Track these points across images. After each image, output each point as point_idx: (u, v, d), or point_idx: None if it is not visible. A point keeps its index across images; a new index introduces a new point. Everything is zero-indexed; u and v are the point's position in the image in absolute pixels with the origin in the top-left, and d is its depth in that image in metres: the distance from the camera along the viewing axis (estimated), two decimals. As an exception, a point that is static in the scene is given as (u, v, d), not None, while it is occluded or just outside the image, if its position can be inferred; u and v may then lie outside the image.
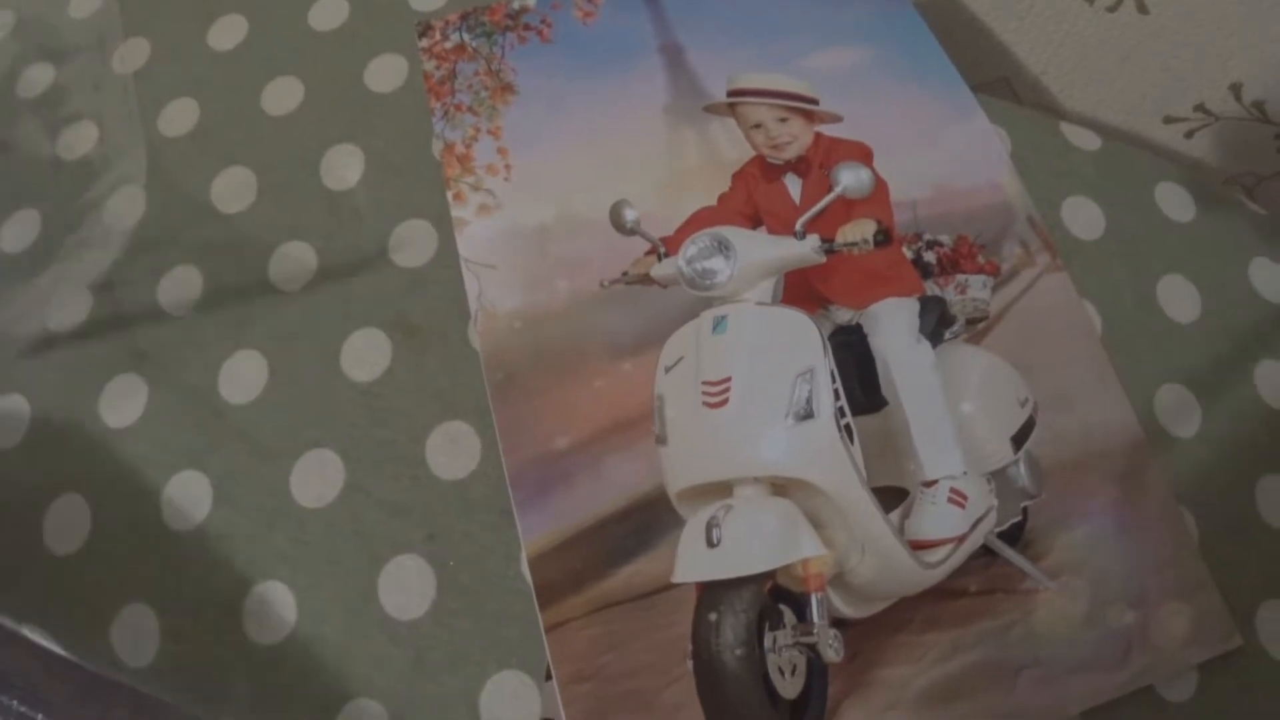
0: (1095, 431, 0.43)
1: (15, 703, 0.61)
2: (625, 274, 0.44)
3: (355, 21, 0.52)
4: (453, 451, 0.42)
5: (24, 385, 0.46)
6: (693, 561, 0.39)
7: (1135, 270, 0.45)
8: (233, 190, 0.49)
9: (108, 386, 0.45)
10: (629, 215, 0.44)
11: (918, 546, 0.41)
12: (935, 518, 0.42)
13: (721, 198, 0.46)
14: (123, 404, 0.45)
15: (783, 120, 0.48)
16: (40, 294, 0.47)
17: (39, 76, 0.53)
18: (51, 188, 0.50)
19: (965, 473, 0.42)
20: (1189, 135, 0.59)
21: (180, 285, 0.47)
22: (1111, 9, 0.56)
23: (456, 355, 0.43)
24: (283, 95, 0.51)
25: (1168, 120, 0.59)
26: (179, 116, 0.51)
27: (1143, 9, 0.55)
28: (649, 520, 0.41)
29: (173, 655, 0.41)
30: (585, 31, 0.51)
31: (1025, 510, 0.42)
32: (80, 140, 0.51)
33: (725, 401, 0.40)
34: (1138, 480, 0.42)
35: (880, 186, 0.46)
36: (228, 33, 0.53)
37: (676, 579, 0.38)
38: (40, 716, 0.65)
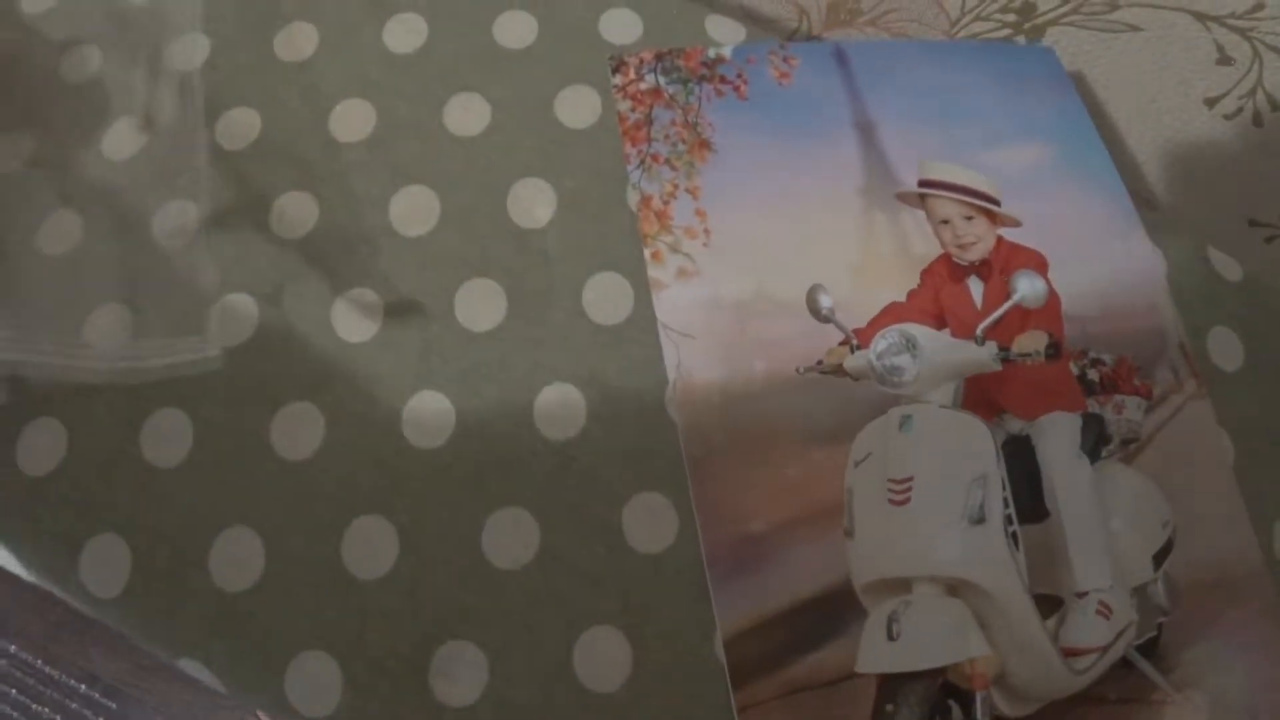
0: (1222, 557, 0.47)
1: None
2: (820, 363, 0.45)
3: (544, 43, 0.50)
4: (649, 523, 0.42)
5: (185, 402, 0.43)
6: (874, 653, 0.40)
7: (1267, 405, 0.49)
8: (414, 212, 0.46)
9: (280, 413, 0.43)
10: (824, 303, 0.44)
11: (1068, 653, 0.44)
12: (1085, 627, 0.44)
13: (911, 294, 0.47)
14: (299, 434, 0.42)
15: (969, 219, 0.48)
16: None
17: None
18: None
19: (1112, 586, 0.45)
20: (1269, 240, 0.64)
21: (357, 310, 0.45)
22: (1229, 116, 0.59)
23: (653, 422, 0.43)
24: (467, 114, 0.48)
25: (1252, 224, 0.63)
26: (353, 119, 0.48)
27: (1258, 122, 0.58)
28: (836, 609, 0.42)
29: (355, 708, 0.39)
30: (781, 93, 0.50)
31: (1160, 625, 0.46)
32: (240, 128, 0.47)
33: (908, 500, 0.41)
34: (1257, 606, 0.46)
35: (1052, 299, 0.48)
36: (406, 34, 0.50)
37: (859, 669, 0.40)
38: (14, 646, 0.62)
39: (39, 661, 0.56)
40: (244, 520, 0.41)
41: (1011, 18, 0.60)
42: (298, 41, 0.49)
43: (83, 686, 0.61)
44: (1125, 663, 0.45)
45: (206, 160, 0.46)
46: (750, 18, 0.64)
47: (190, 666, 0.39)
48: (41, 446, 0.42)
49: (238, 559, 0.41)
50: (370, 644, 0.40)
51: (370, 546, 0.41)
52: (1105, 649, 0.44)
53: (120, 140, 0.47)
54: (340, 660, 0.40)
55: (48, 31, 0.49)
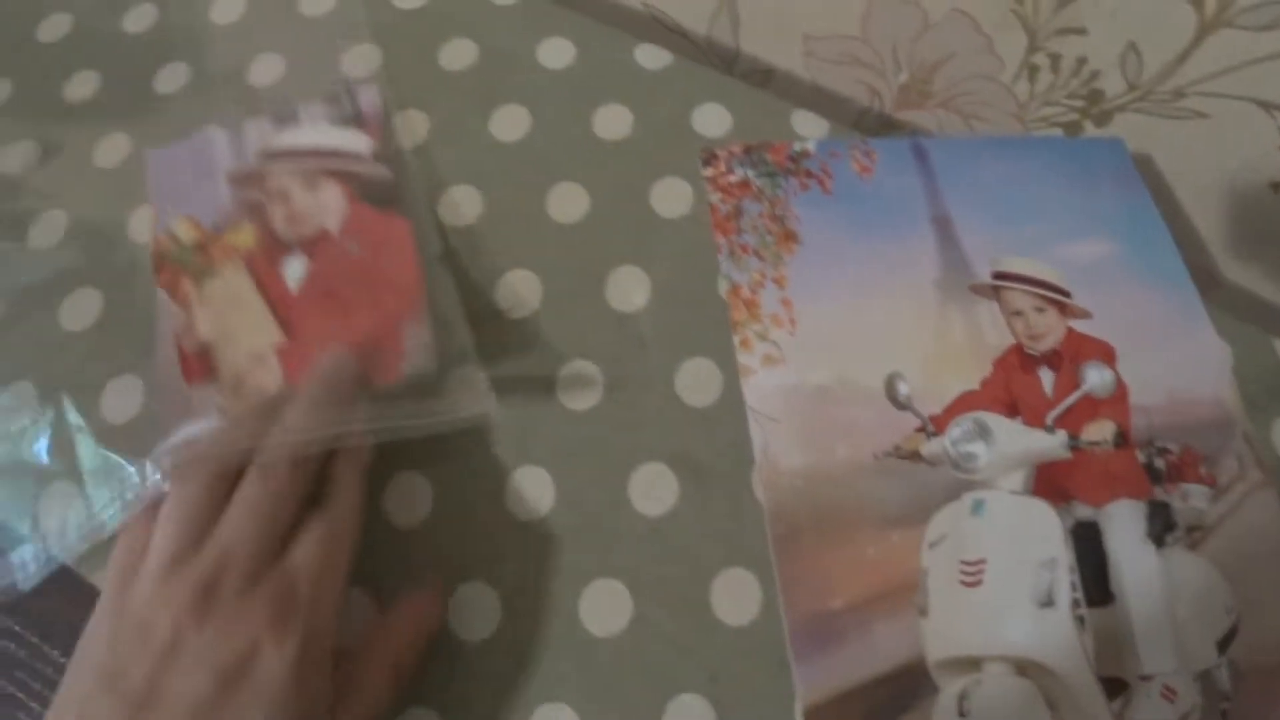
0: (1283, 643, 0.48)
1: (56, 652, 0.61)
2: (897, 448, 0.47)
3: (640, 136, 0.53)
4: (736, 597, 0.44)
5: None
6: (946, 731, 0.42)
7: (1329, 497, 0.50)
8: (519, 292, 0.49)
9: (391, 484, 0.46)
10: (902, 390, 0.47)
11: (1133, 736, 0.45)
12: (1149, 710, 0.46)
13: (984, 383, 0.49)
14: (409, 504, 0.45)
15: (1040, 310, 0.51)
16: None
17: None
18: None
19: (1177, 670, 0.47)
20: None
21: (465, 385, 0.48)
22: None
23: (740, 501, 0.46)
24: (569, 202, 0.51)
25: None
26: (463, 203, 0.51)
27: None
28: (911, 685, 0.44)
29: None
30: (863, 187, 0.52)
31: (1224, 711, 0.47)
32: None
33: (980, 582, 0.44)
34: (1317, 694, 0.48)
35: (1120, 389, 0.50)
36: (511, 124, 0.53)
37: (932, 745, 0.42)
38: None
39: None
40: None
41: (1079, 104, 0.62)
42: (411, 128, 0.53)
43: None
44: (1189, 746, 0.46)
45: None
46: (825, 99, 0.66)
47: None
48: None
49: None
50: (473, 704, 0.42)
51: (476, 610, 0.44)
52: (1169, 732, 0.46)
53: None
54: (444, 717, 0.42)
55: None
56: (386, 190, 0.52)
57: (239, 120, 0.55)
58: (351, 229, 0.51)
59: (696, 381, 0.47)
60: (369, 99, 0.56)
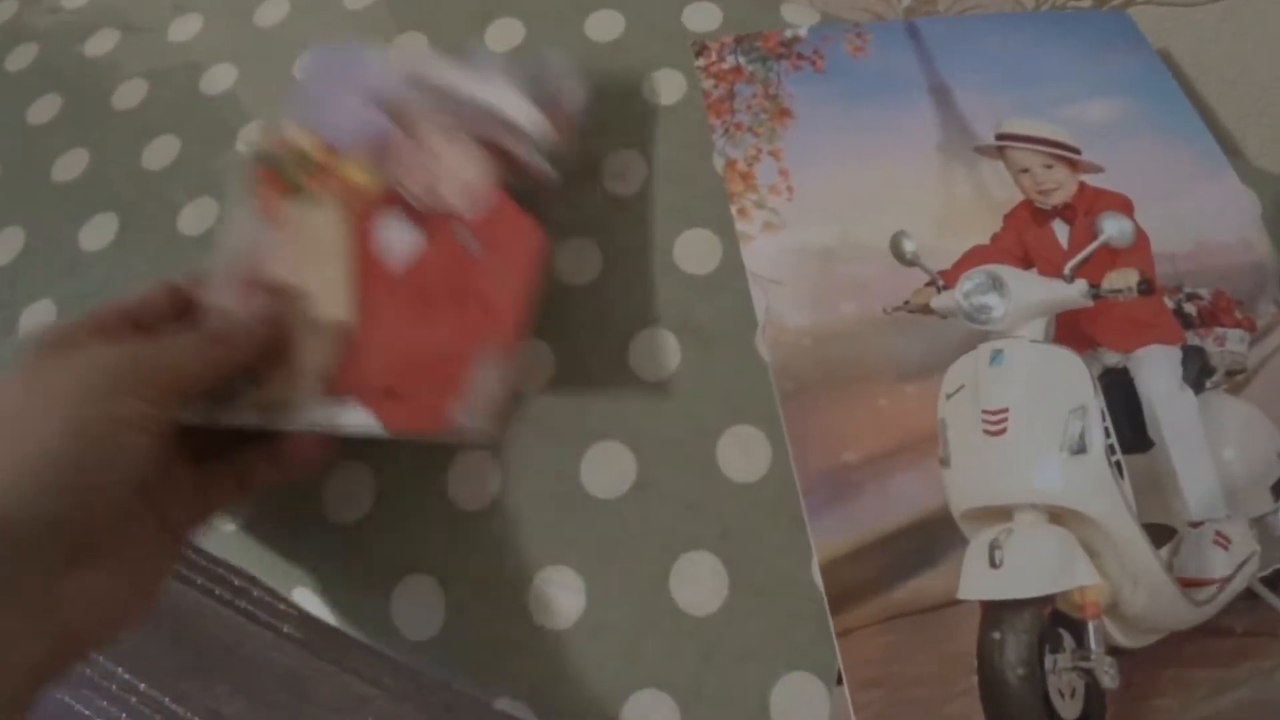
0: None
1: (120, 669, 0.60)
2: (907, 303, 0.44)
3: (631, 35, 0.52)
4: (743, 454, 0.42)
5: (362, 455, 0.44)
6: (977, 580, 0.39)
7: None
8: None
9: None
10: (908, 246, 0.44)
11: (1185, 584, 0.41)
12: (1201, 557, 0.41)
13: (994, 237, 0.46)
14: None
15: (1048, 167, 0.48)
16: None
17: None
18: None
19: (1229, 516, 0.42)
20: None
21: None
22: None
23: (744, 361, 0.43)
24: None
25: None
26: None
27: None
28: (934, 536, 0.40)
29: (456, 630, 0.40)
30: (857, 65, 0.51)
31: (1285, 558, 0.42)
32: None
33: (1003, 431, 0.40)
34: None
35: (1141, 237, 0.46)
36: (506, 36, 0.53)
37: (962, 595, 0.38)
38: (144, 684, 0.64)
39: (167, 699, 0.58)
40: (358, 456, 0.43)
41: (1087, 3, 0.60)
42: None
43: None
44: (1250, 595, 0.42)
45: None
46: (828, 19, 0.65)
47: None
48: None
49: (349, 494, 0.42)
50: (472, 570, 0.40)
51: (479, 477, 0.42)
52: (1226, 580, 0.41)
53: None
54: (442, 584, 0.40)
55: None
56: (541, 194, 0.42)
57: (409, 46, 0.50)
58: (481, 222, 0.41)
59: (695, 251, 0.45)
60: (571, 90, 0.46)
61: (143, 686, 0.61)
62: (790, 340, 0.44)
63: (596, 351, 0.44)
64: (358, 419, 0.37)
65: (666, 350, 0.43)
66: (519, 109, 0.43)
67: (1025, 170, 0.47)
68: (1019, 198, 0.47)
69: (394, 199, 0.41)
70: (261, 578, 0.41)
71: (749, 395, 0.43)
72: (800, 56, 0.50)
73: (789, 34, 0.51)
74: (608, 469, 0.42)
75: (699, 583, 0.40)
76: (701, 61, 0.51)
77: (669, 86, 0.50)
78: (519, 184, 0.42)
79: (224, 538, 0.42)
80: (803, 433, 0.42)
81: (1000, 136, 0.48)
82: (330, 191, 0.41)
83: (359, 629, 0.40)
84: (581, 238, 0.46)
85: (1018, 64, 0.51)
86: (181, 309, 0.38)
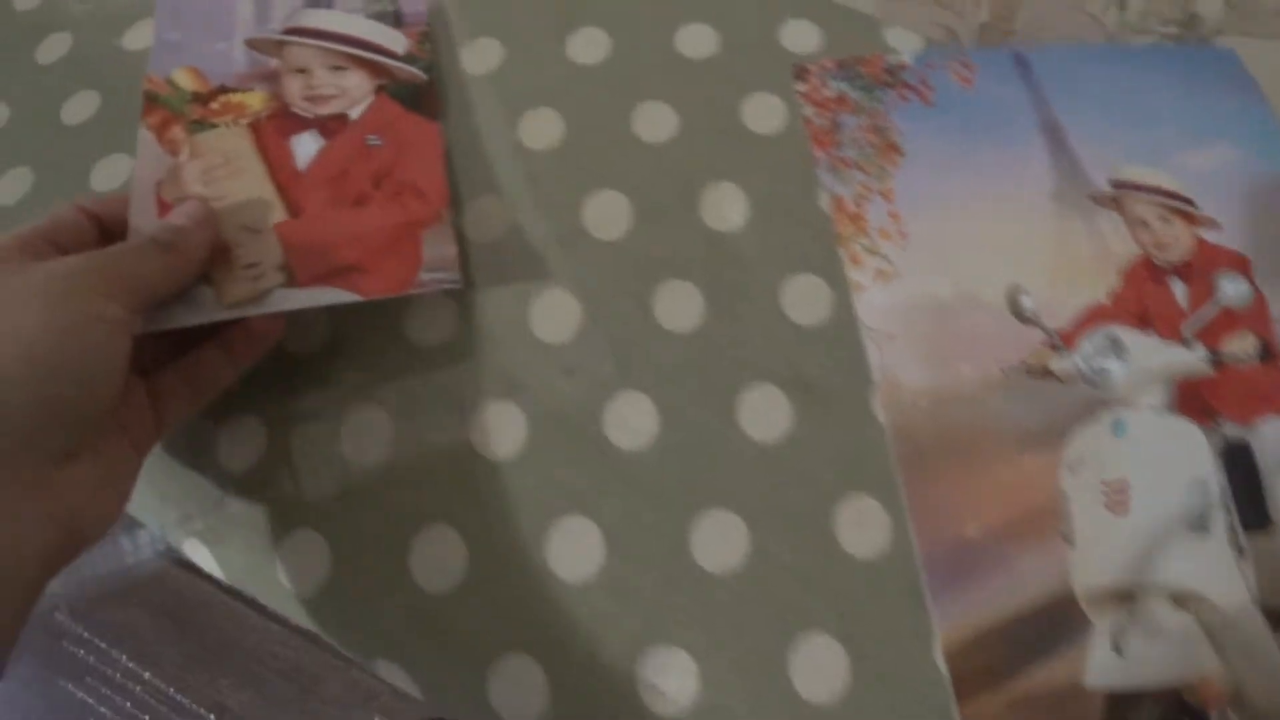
0: None
1: (124, 658, 0.57)
2: (1026, 364, 0.42)
3: (726, 53, 0.48)
4: (862, 527, 0.39)
5: (384, 404, 0.42)
6: (1102, 668, 0.37)
7: None
8: (608, 214, 0.44)
9: (481, 413, 0.40)
10: (1026, 303, 0.42)
11: (1309, 671, 0.39)
12: (1325, 645, 0.40)
13: (1112, 295, 0.44)
14: (502, 433, 0.40)
15: (1165, 220, 0.45)
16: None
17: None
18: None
19: (1351, 602, 0.40)
20: None
21: (558, 310, 0.43)
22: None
23: (859, 423, 0.40)
24: (655, 121, 0.46)
25: None
26: (544, 127, 0.46)
27: None
28: (1061, 618, 0.38)
29: (564, 714, 0.36)
30: (965, 97, 0.47)
31: None
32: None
33: (1125, 507, 0.38)
34: None
35: (1258, 300, 0.44)
36: (589, 47, 0.49)
37: (1088, 683, 0.37)
38: (148, 674, 0.60)
39: (171, 690, 0.54)
40: (448, 519, 0.39)
41: (1174, 29, 0.57)
42: (485, 55, 0.48)
43: (211, 716, 0.59)
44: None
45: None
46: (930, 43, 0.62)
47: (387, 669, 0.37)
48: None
49: (440, 560, 0.38)
50: (574, 649, 0.37)
51: (579, 543, 0.38)
52: (1350, 669, 0.40)
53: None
54: (545, 664, 0.37)
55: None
56: (418, 93, 0.48)
57: None
58: (373, 121, 0.46)
59: (804, 299, 0.42)
60: (413, 2, 0.51)
61: (147, 675, 0.57)
62: (907, 401, 0.41)
63: (701, 407, 0.40)
64: (331, 296, 0.40)
65: (777, 408, 0.40)
66: (369, 28, 0.49)
67: (1143, 223, 0.45)
68: (1136, 252, 0.44)
69: (288, 115, 0.45)
70: (343, 648, 0.37)
71: (866, 461, 0.40)
72: (907, 86, 0.47)
73: (893, 60, 0.48)
74: (719, 539, 0.38)
75: (818, 667, 0.37)
76: (802, 87, 0.47)
77: (768, 113, 0.46)
78: (396, 87, 0.47)
79: (306, 603, 0.37)
80: (923, 504, 0.39)
81: (1115, 184, 0.46)
82: (226, 118, 0.45)
83: (453, 709, 0.36)
84: (681, 279, 0.42)
85: (1127, 102, 0.48)
86: (102, 231, 0.38)
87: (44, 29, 0.54)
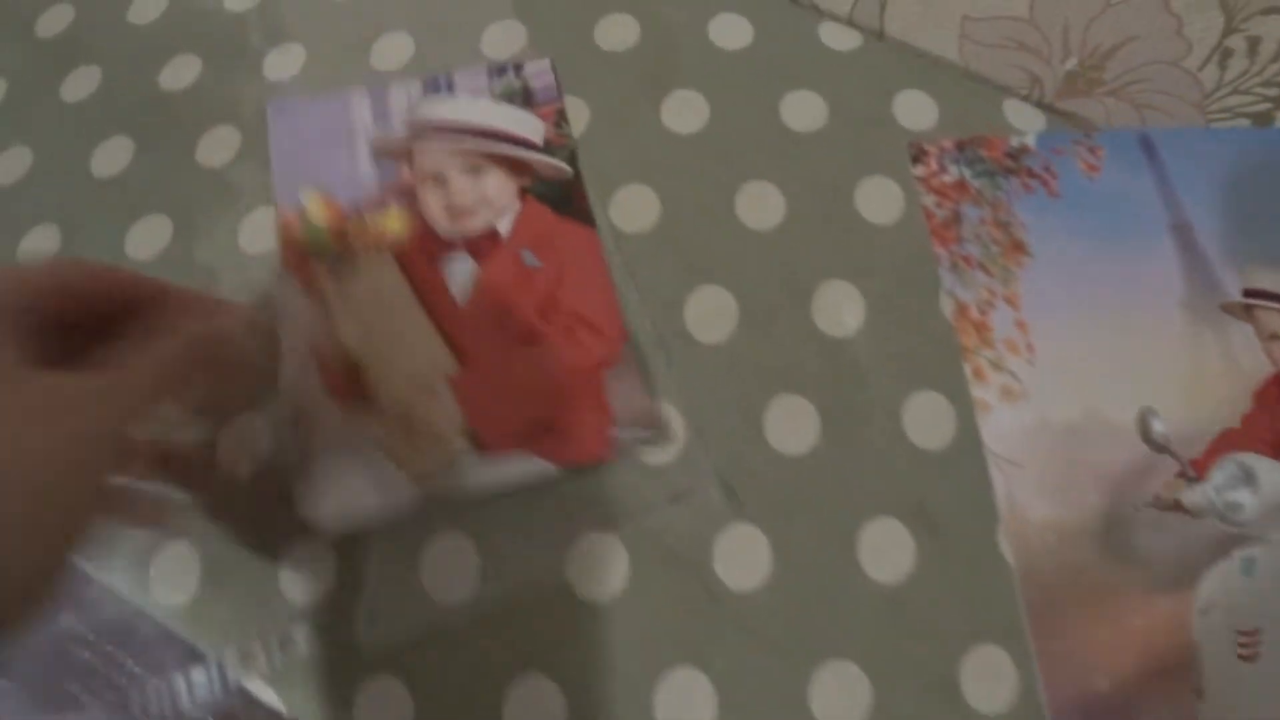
0: None
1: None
2: (1158, 498, 0.39)
3: (836, 127, 0.44)
4: (989, 680, 0.36)
5: (469, 527, 0.38)
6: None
7: None
8: (711, 311, 0.40)
9: (574, 549, 0.37)
10: (1157, 428, 0.39)
11: None
12: None
13: (1245, 418, 0.41)
14: (601, 579, 0.36)
15: (1299, 334, 0.42)
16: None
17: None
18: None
19: None
20: None
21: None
22: None
23: (985, 563, 0.37)
24: (762, 204, 0.42)
25: None
26: (637, 206, 0.42)
27: None
28: (1191, 782, 0.36)
29: None
30: (1091, 188, 0.44)
31: None
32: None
33: (1257, 655, 0.36)
34: None
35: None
36: (686, 112, 0.44)
37: None
38: None
39: None
40: (542, 668, 0.35)
41: (1275, 91, 0.53)
42: (571, 114, 0.43)
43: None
44: None
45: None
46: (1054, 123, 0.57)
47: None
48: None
49: (537, 715, 0.35)
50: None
51: (688, 697, 0.35)
52: None
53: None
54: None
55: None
56: (566, 192, 0.42)
57: (383, 80, 0.44)
58: (526, 233, 0.41)
59: (927, 419, 0.38)
60: (541, 76, 0.45)
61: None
62: (1034, 538, 0.38)
63: (819, 542, 0.37)
64: (526, 469, 0.36)
65: (900, 545, 0.37)
66: (503, 115, 0.43)
67: (1275, 337, 0.41)
68: (1269, 369, 0.41)
69: (433, 237, 0.40)
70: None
71: (992, 606, 0.37)
72: (1031, 174, 0.43)
73: (1016, 142, 0.43)
74: (840, 694, 0.35)
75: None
76: (920, 170, 0.43)
77: (883, 199, 0.42)
78: (540, 187, 0.42)
79: None
80: (1052, 655, 0.37)
81: (1247, 293, 0.42)
82: (368, 249, 0.40)
83: None
84: (794, 393, 0.38)
85: (1256, 195, 0.45)
86: (126, 306, 0.30)
87: (45, 0, 0.49)
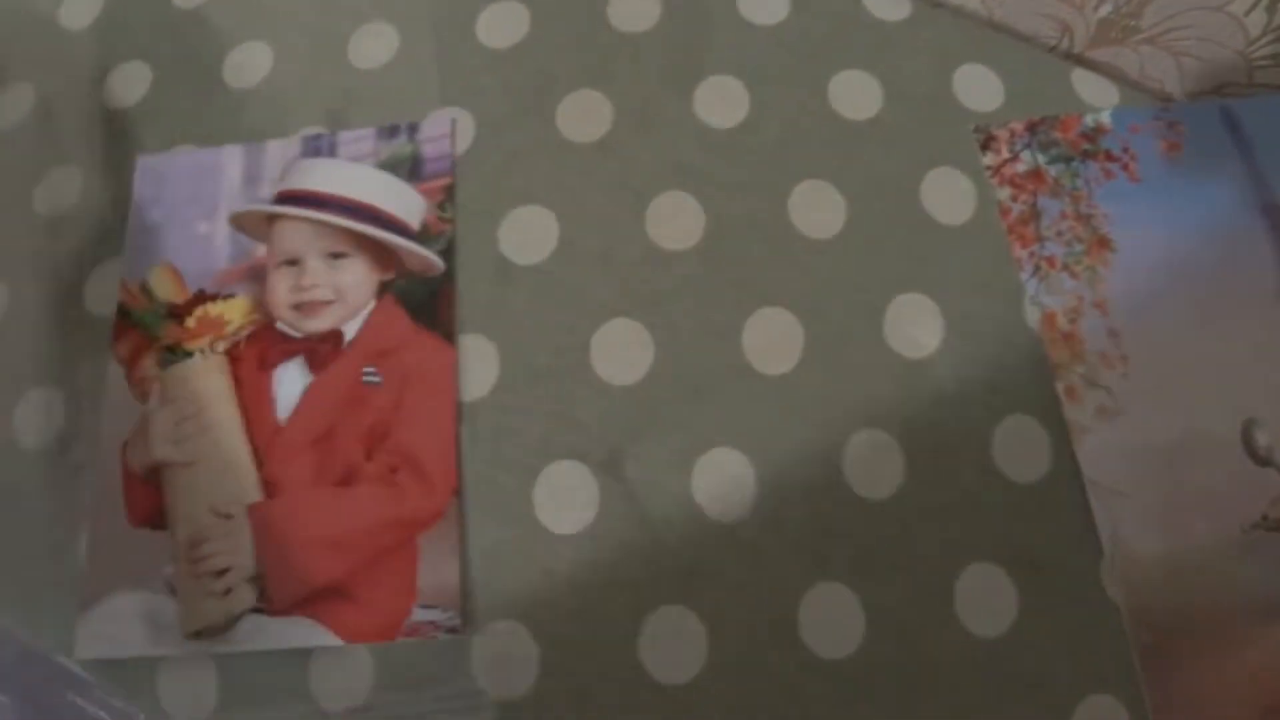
0: None
1: None
2: (1265, 518, 0.35)
3: (893, 111, 0.38)
4: (1102, 734, 0.32)
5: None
6: None
7: None
8: (775, 335, 0.35)
9: (649, 620, 0.32)
10: (1261, 440, 0.35)
11: None
12: None
13: (1349, 420, 0.37)
14: (674, 651, 0.32)
15: (1395, 323, 0.39)
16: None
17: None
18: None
19: None
20: None
21: (722, 474, 0.34)
22: None
23: (1091, 605, 0.33)
24: (820, 209, 0.36)
25: None
26: (673, 211, 0.36)
27: None
28: (1313, 824, 0.33)
29: None
30: (1172, 171, 0.39)
31: None
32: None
33: None
34: None
35: None
36: (722, 103, 0.38)
37: None
38: None
39: None
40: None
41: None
42: (595, 106, 0.37)
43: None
44: None
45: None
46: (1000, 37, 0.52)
47: None
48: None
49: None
50: None
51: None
52: None
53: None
54: None
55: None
56: (432, 296, 0.36)
57: (260, 135, 0.39)
58: (373, 341, 0.36)
59: (1018, 448, 0.34)
60: (437, 141, 0.38)
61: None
62: (1142, 576, 0.34)
63: (912, 595, 0.33)
64: (307, 635, 0.31)
65: (999, 593, 0.33)
66: (390, 192, 0.37)
67: (1371, 327, 0.38)
68: (1367, 364, 0.37)
69: (272, 334, 0.35)
70: None
71: (1101, 652, 0.33)
72: (1110, 157, 0.38)
73: (1091, 121, 0.38)
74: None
75: None
76: (990, 159, 0.37)
77: (954, 195, 0.37)
78: (403, 285, 0.36)
79: None
80: (1167, 702, 0.33)
81: (1342, 280, 0.38)
82: (202, 341, 0.35)
83: None
84: (873, 428, 0.34)
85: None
86: None
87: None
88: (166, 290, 0.36)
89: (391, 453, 0.33)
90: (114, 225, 0.37)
